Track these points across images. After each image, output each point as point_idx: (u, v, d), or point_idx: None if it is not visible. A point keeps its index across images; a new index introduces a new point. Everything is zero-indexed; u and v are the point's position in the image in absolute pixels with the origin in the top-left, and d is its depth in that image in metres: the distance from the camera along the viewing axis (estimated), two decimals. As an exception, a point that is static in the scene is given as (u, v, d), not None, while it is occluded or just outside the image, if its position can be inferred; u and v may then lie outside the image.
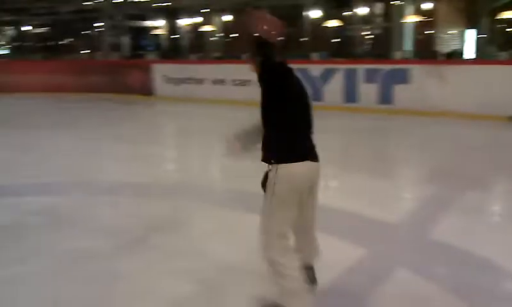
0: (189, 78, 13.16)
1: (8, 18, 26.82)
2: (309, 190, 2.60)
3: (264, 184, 2.57)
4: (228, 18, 20.21)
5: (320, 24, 16.93)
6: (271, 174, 2.49)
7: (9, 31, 29.39)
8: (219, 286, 3.14)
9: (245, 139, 2.75)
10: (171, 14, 22.96)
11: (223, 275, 3.28)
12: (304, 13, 17.12)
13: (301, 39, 17.07)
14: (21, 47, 28.07)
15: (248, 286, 3.08)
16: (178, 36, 23.58)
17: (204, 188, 5.44)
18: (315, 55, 12.65)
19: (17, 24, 27.97)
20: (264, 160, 2.55)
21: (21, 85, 14.99)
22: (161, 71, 13.69)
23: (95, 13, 24.57)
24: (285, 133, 2.48)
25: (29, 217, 4.49)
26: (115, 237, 3.98)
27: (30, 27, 27.63)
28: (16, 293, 3.12)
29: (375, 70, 10.54)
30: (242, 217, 4.26)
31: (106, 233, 4.06)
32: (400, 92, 10.19)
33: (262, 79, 2.44)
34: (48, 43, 28.00)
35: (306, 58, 12.39)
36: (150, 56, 17.60)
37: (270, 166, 2.50)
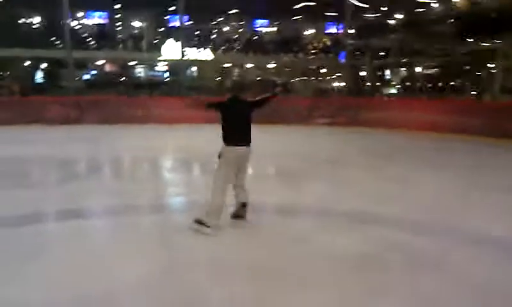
0: None
1: (403, 59, 29.07)
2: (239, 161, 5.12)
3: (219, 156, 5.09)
4: None
5: None
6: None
7: (402, 72, 31.75)
8: None
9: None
10: None
11: None
12: None
13: None
14: (410, 86, 29.87)
15: None
16: None
17: None
18: None
19: (410, 65, 29.94)
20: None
21: (403, 122, 15.86)
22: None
23: (488, 54, 23.80)
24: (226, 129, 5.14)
25: (386, 251, 4.65)
26: (479, 293, 3.72)
27: (420, 69, 29.11)
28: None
29: None
30: None
31: (469, 286, 3.84)
32: None
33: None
34: (438, 84, 28.76)
35: None
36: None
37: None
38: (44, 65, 29.98)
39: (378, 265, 4.27)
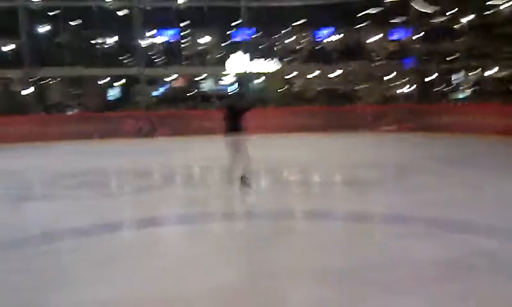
0: None
1: (473, 63, 27.98)
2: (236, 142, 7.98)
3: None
4: None
5: None
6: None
7: (472, 76, 30.52)
8: None
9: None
10: None
11: None
12: None
13: None
14: (481, 90, 28.62)
15: None
16: None
17: None
18: None
19: (481, 69, 28.74)
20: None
21: (474, 126, 15.31)
22: None
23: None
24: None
25: (465, 256, 4.58)
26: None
27: (492, 72, 27.88)
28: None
29: None
30: None
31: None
32: None
33: None
34: (511, 87, 27.41)
35: None
36: None
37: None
38: (118, 82, 31.60)
39: (459, 271, 4.24)
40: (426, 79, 30.11)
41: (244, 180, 8.03)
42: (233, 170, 8.22)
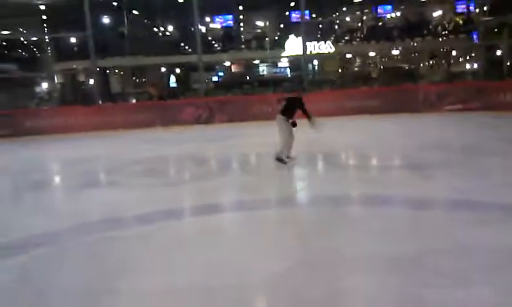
0: None
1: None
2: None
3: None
4: None
5: None
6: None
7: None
8: None
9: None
10: None
11: None
12: None
13: None
14: None
15: None
16: None
17: None
18: None
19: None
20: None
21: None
22: None
23: None
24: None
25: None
26: None
27: None
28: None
29: None
30: None
31: None
32: None
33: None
34: None
35: None
36: None
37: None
38: (177, 70, 32.24)
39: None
40: (495, 54, 28.49)
41: (293, 161, 8.94)
42: (290, 155, 8.88)
